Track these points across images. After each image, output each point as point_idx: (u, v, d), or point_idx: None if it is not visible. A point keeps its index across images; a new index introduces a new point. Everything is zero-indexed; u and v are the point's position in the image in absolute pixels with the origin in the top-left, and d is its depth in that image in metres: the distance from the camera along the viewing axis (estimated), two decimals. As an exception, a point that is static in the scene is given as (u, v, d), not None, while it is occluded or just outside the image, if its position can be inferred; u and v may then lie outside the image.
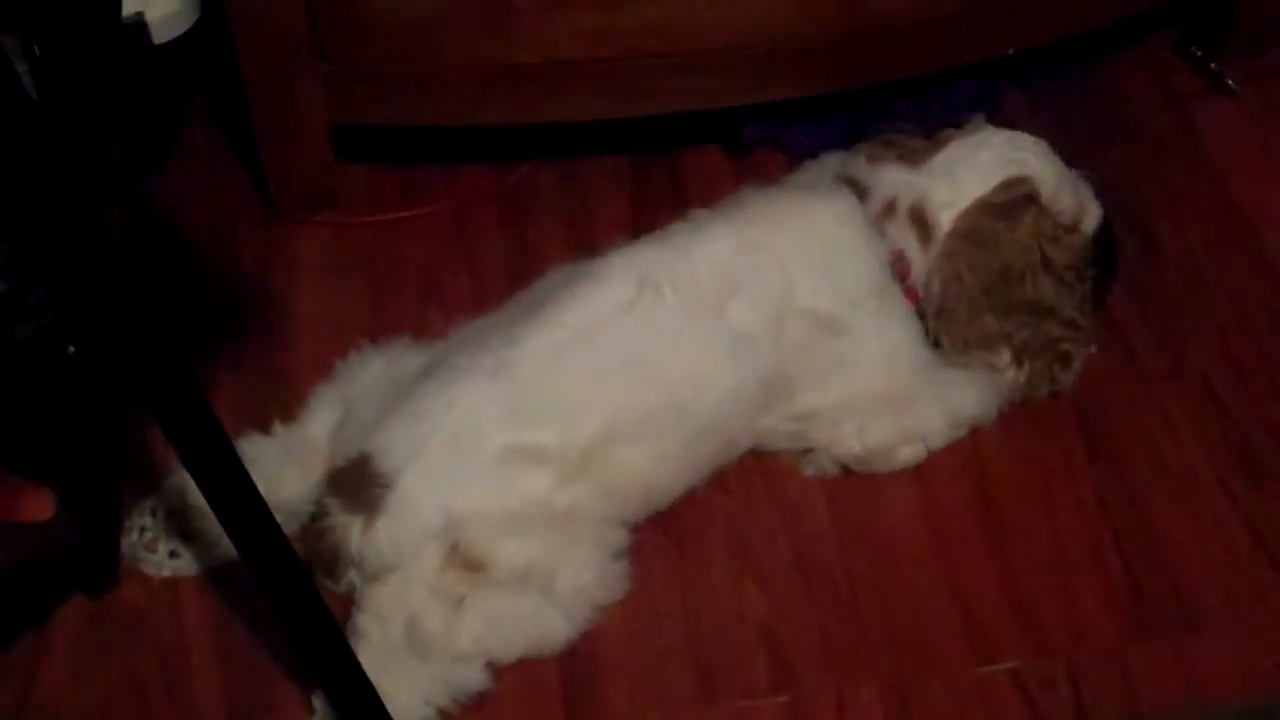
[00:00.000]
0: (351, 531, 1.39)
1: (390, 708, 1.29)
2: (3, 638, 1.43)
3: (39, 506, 1.48)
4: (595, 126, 1.77)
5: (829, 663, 1.40)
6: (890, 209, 1.54)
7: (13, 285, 1.29)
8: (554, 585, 1.39)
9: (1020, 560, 1.47)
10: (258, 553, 1.21)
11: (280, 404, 1.58)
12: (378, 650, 1.35)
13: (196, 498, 1.21)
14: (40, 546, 1.44)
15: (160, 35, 1.75)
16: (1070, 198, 1.56)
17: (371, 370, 1.54)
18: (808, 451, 1.54)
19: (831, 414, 1.51)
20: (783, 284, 1.48)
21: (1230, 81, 1.92)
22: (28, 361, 1.30)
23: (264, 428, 1.53)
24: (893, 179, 1.55)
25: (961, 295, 1.52)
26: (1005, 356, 1.54)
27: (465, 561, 1.38)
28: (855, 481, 1.53)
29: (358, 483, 1.40)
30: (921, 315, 1.55)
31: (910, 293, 1.54)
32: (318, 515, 1.43)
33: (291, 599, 1.24)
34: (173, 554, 1.47)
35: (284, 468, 1.47)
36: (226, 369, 1.64)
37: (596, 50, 1.69)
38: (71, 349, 1.14)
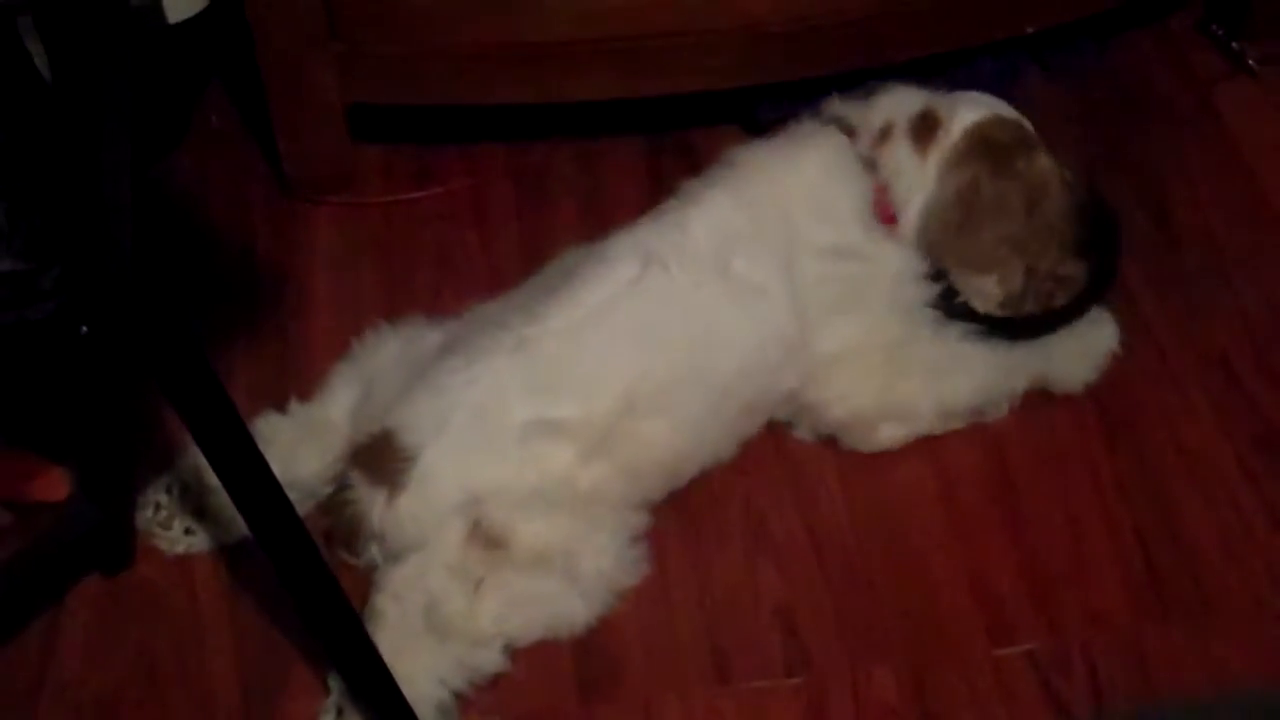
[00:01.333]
0: (374, 505, 1.39)
1: (406, 689, 1.30)
2: (19, 617, 1.43)
3: (55, 486, 1.48)
4: (611, 106, 1.77)
5: (844, 644, 1.39)
6: (886, 133, 1.53)
7: (30, 265, 1.29)
8: (574, 568, 1.39)
9: (1037, 542, 1.46)
10: (271, 532, 1.21)
11: (295, 383, 1.58)
12: (395, 631, 1.35)
13: (211, 476, 1.21)
14: (56, 526, 1.44)
15: (175, 15, 1.75)
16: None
17: (389, 349, 1.54)
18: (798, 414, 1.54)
19: (830, 366, 1.50)
20: (784, 229, 1.48)
21: (1251, 61, 1.90)
22: (44, 341, 1.31)
23: (279, 406, 1.53)
24: (893, 100, 1.54)
25: (974, 204, 1.50)
26: (995, 283, 1.53)
27: (486, 539, 1.37)
28: (871, 463, 1.52)
29: (380, 457, 1.40)
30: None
31: (893, 229, 1.52)
32: (340, 489, 1.43)
33: (305, 578, 1.24)
34: (188, 530, 1.47)
35: (301, 446, 1.48)
36: (241, 349, 1.64)
37: (612, 29, 1.69)
38: (85, 329, 1.14)
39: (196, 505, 1.47)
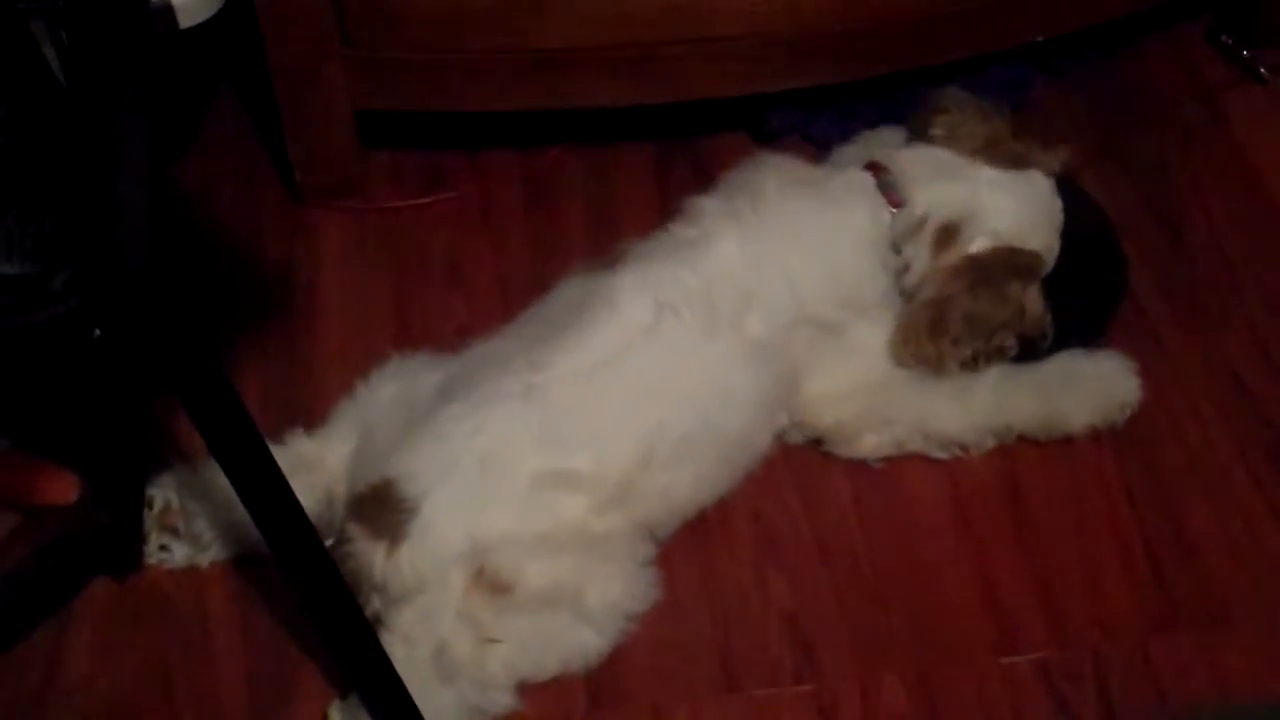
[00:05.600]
0: (375, 558, 1.35)
1: None
2: (28, 620, 1.43)
3: (64, 490, 1.48)
4: (621, 113, 1.77)
5: (853, 652, 1.39)
6: (919, 227, 1.52)
7: (39, 268, 1.29)
8: (583, 601, 1.37)
9: (1046, 551, 1.46)
10: (283, 535, 1.21)
11: (303, 388, 1.59)
12: (405, 672, 1.31)
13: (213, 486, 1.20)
14: (65, 529, 1.44)
15: (186, 20, 1.75)
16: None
17: (389, 389, 1.50)
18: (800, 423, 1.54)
19: (819, 396, 1.51)
20: (793, 299, 1.48)
21: (1261, 70, 1.90)
22: (53, 344, 1.31)
23: (280, 431, 1.49)
24: (934, 194, 1.53)
25: (945, 315, 1.50)
26: (952, 368, 1.53)
27: (492, 585, 1.35)
28: (881, 472, 1.52)
29: (380, 508, 1.36)
30: None
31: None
32: (339, 543, 1.38)
33: (318, 584, 1.24)
34: (163, 549, 1.47)
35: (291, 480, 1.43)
36: (250, 354, 1.64)
37: (622, 36, 1.69)
38: (97, 332, 1.14)
39: (204, 515, 1.47)
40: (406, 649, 1.33)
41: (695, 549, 1.47)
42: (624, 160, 1.84)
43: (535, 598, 1.35)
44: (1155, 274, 1.69)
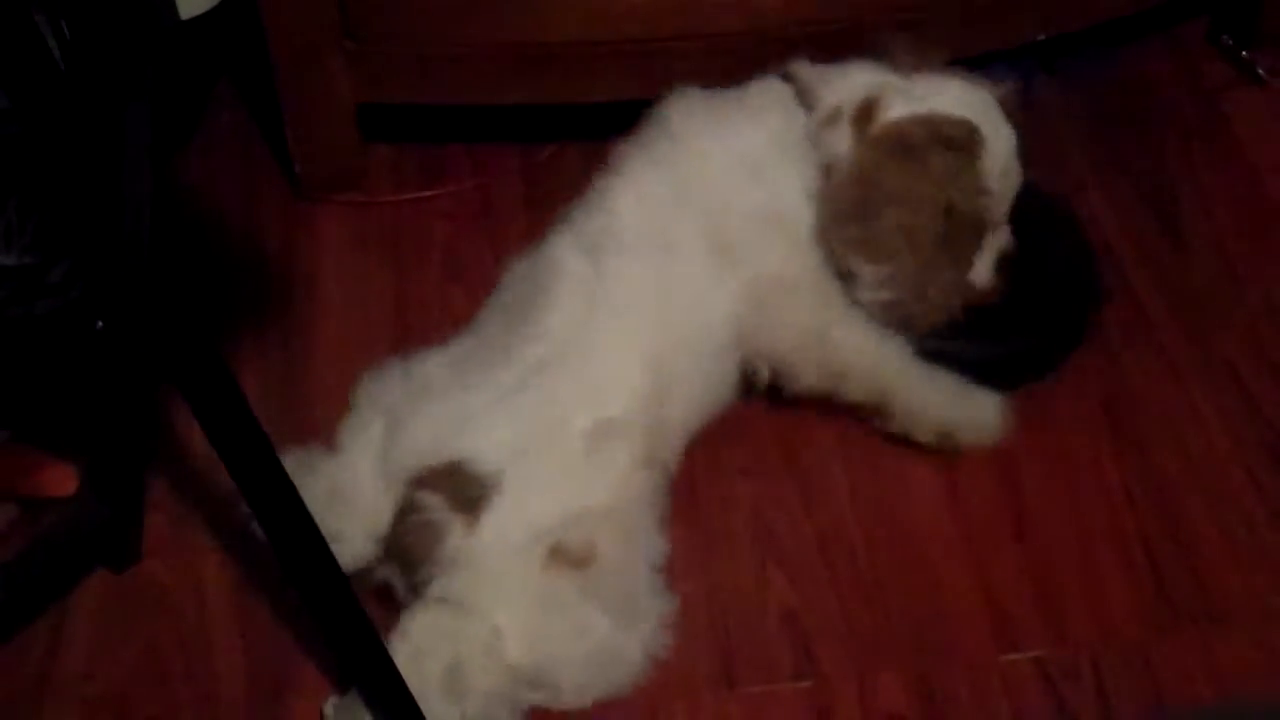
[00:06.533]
0: (453, 528, 1.35)
1: None
2: (26, 612, 1.43)
3: (63, 481, 1.48)
4: (621, 107, 1.76)
5: (851, 648, 1.39)
6: (835, 115, 1.51)
7: (37, 260, 1.29)
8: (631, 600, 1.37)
9: (1045, 550, 1.46)
10: (284, 529, 1.20)
11: (302, 381, 1.58)
12: (406, 680, 1.29)
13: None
14: (64, 522, 1.44)
15: (187, 10, 1.74)
16: (1001, 174, 1.52)
17: (392, 392, 1.48)
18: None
19: (769, 289, 1.51)
20: (718, 201, 1.49)
21: (1261, 71, 1.90)
22: (52, 336, 1.30)
23: (286, 414, 1.49)
24: (853, 80, 1.52)
25: (868, 187, 1.48)
26: (867, 271, 1.50)
27: (570, 559, 1.34)
28: (880, 466, 1.52)
29: (456, 482, 1.36)
30: None
31: None
32: (409, 509, 1.37)
33: (318, 579, 1.23)
34: None
35: (331, 511, 1.37)
36: (249, 346, 1.64)
37: (623, 31, 1.69)
38: (100, 324, 1.14)
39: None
40: (415, 662, 1.30)
41: (695, 545, 1.47)
42: (624, 155, 1.83)
43: (612, 567, 1.35)
44: (1155, 274, 1.69)
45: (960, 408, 1.52)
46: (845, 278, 1.51)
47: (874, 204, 1.48)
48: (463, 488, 1.36)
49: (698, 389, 1.48)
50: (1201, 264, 1.71)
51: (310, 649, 1.40)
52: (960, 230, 1.51)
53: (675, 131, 1.54)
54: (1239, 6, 1.92)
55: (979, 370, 1.54)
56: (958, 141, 1.49)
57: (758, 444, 1.55)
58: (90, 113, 1.01)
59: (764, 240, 1.50)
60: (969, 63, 1.78)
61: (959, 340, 1.55)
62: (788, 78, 1.56)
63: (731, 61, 1.71)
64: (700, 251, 1.48)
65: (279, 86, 1.71)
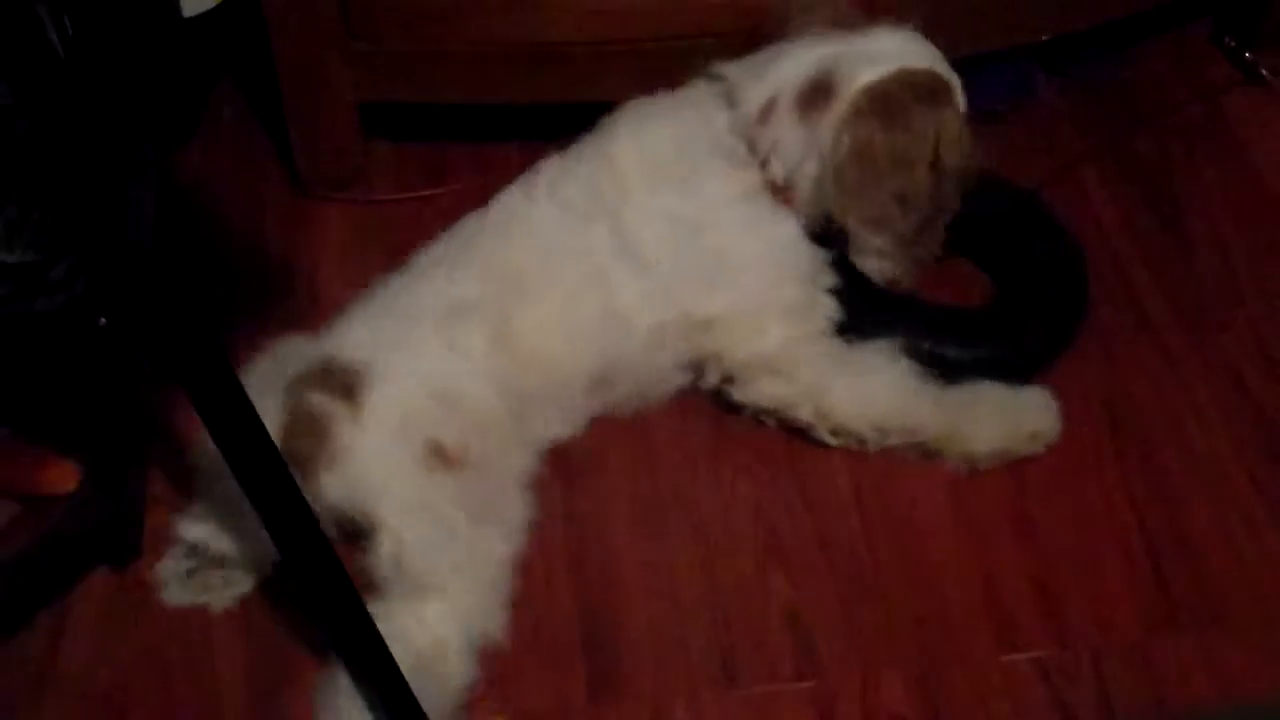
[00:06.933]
0: (338, 416, 1.38)
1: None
2: (27, 609, 1.43)
3: (63, 478, 1.48)
4: (624, 107, 1.76)
5: (853, 648, 1.39)
6: (768, 110, 1.48)
7: (39, 257, 1.29)
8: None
9: (1047, 550, 1.46)
10: (286, 527, 1.20)
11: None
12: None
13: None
14: (65, 518, 1.44)
15: (190, 8, 1.75)
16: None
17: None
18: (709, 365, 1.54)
19: (726, 322, 1.50)
20: (613, 182, 1.50)
21: (1264, 72, 1.90)
22: (54, 332, 1.30)
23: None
24: (783, 69, 1.48)
25: (870, 162, 1.45)
26: (885, 242, 1.49)
27: (447, 458, 1.39)
28: (883, 468, 1.52)
29: (331, 376, 1.40)
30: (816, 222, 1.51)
31: (786, 199, 1.50)
32: (293, 411, 1.39)
33: (321, 577, 1.23)
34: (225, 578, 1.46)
35: None
36: (249, 344, 1.63)
37: (627, 31, 1.69)
38: (103, 321, 1.14)
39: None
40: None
41: (697, 544, 1.47)
42: (627, 155, 1.83)
43: (480, 463, 1.40)
44: (1156, 274, 1.69)
45: (1010, 421, 1.51)
46: (848, 247, 1.50)
47: (874, 175, 1.45)
48: (338, 377, 1.40)
49: (562, 322, 1.49)
50: (1203, 264, 1.71)
51: (310, 645, 1.39)
52: (945, 183, 1.48)
53: (598, 133, 1.56)
54: (1242, 7, 1.92)
55: (967, 372, 1.53)
56: (936, 94, 1.47)
57: (759, 442, 1.54)
58: (93, 109, 1.01)
59: (686, 252, 1.49)
60: (970, 62, 1.79)
61: (947, 342, 1.55)
62: (712, 77, 1.54)
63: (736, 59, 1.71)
64: (579, 206, 1.51)
65: (281, 84, 1.71)
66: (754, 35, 1.57)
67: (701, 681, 1.38)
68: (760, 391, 1.52)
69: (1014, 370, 1.55)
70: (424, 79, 1.73)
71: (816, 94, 1.47)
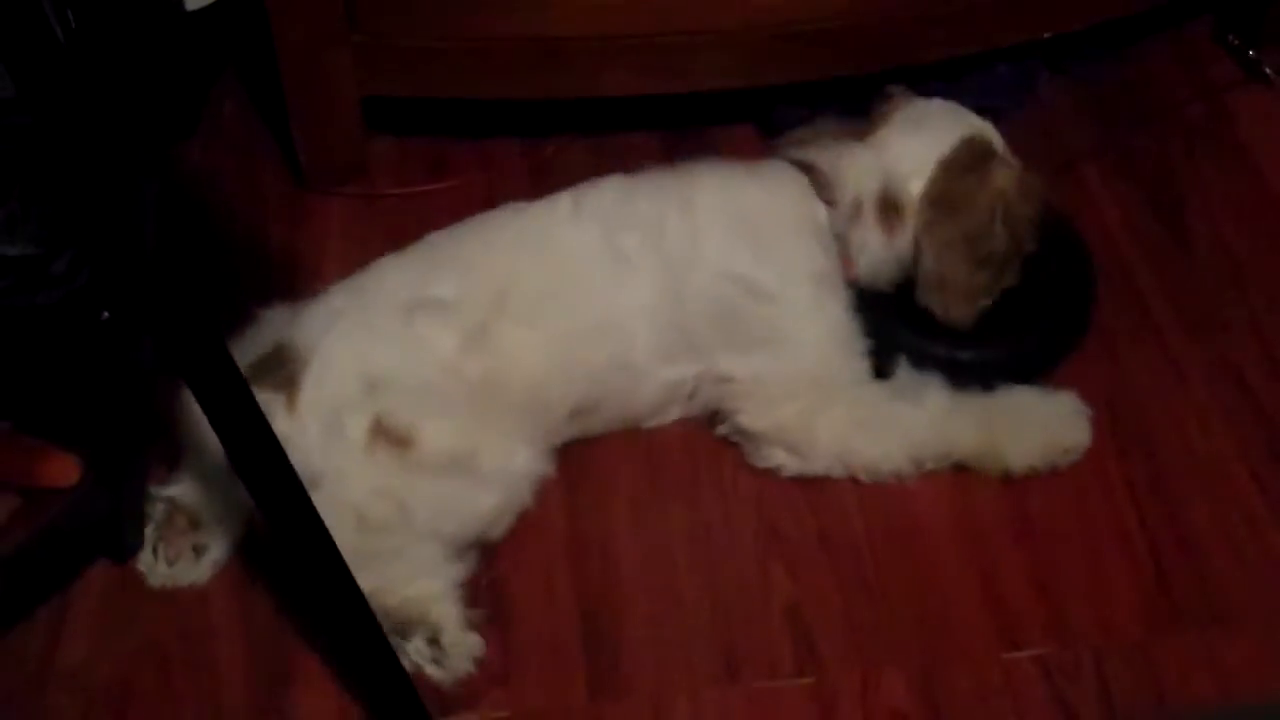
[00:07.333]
0: (276, 410, 1.37)
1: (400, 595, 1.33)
2: (28, 602, 1.43)
3: (65, 472, 1.48)
4: (627, 101, 1.76)
5: (854, 645, 1.39)
6: (858, 210, 1.52)
7: (40, 250, 1.29)
8: (478, 465, 1.40)
9: (1048, 548, 1.46)
10: (285, 517, 1.20)
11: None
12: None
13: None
14: (66, 512, 1.44)
15: (193, 2, 1.75)
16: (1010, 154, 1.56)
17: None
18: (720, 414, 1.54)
19: (750, 385, 1.50)
20: (685, 232, 1.48)
21: (1267, 70, 1.90)
22: (55, 326, 1.30)
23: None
24: (853, 165, 1.52)
25: (959, 259, 1.50)
26: (973, 307, 1.53)
27: (392, 436, 1.38)
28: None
29: (275, 366, 1.41)
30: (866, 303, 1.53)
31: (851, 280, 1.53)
32: None
33: (319, 568, 1.23)
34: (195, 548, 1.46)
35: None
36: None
37: (630, 26, 1.69)
38: (105, 314, 1.14)
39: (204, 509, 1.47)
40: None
41: (698, 540, 1.47)
42: (630, 150, 1.83)
43: (435, 456, 1.38)
44: (1158, 273, 1.69)
45: (1045, 435, 1.51)
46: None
47: (957, 261, 1.50)
48: (280, 367, 1.41)
49: (558, 349, 1.46)
50: (1205, 263, 1.71)
51: (312, 639, 1.39)
52: (1018, 231, 1.52)
53: (672, 177, 1.53)
54: (1245, 6, 1.92)
55: (971, 374, 1.53)
56: (984, 160, 1.52)
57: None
58: (96, 102, 1.01)
59: (735, 314, 1.49)
60: (976, 60, 1.79)
61: (947, 343, 1.54)
62: (804, 168, 1.54)
63: (742, 57, 1.71)
64: (634, 252, 1.47)
65: (284, 78, 1.71)
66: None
67: (702, 678, 1.37)
68: (777, 463, 1.51)
69: (1022, 371, 1.55)
70: (426, 73, 1.73)
71: (888, 207, 1.51)
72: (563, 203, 1.51)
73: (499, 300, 1.44)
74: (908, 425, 1.49)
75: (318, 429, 1.38)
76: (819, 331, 1.51)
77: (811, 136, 1.58)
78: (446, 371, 1.42)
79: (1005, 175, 1.52)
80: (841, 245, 1.52)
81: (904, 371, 1.52)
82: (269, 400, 1.36)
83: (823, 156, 1.54)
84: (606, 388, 1.50)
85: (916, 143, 1.53)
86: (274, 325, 1.49)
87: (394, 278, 1.47)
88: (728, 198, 1.52)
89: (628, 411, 1.53)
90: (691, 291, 1.48)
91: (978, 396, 1.51)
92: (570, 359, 1.47)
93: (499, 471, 1.41)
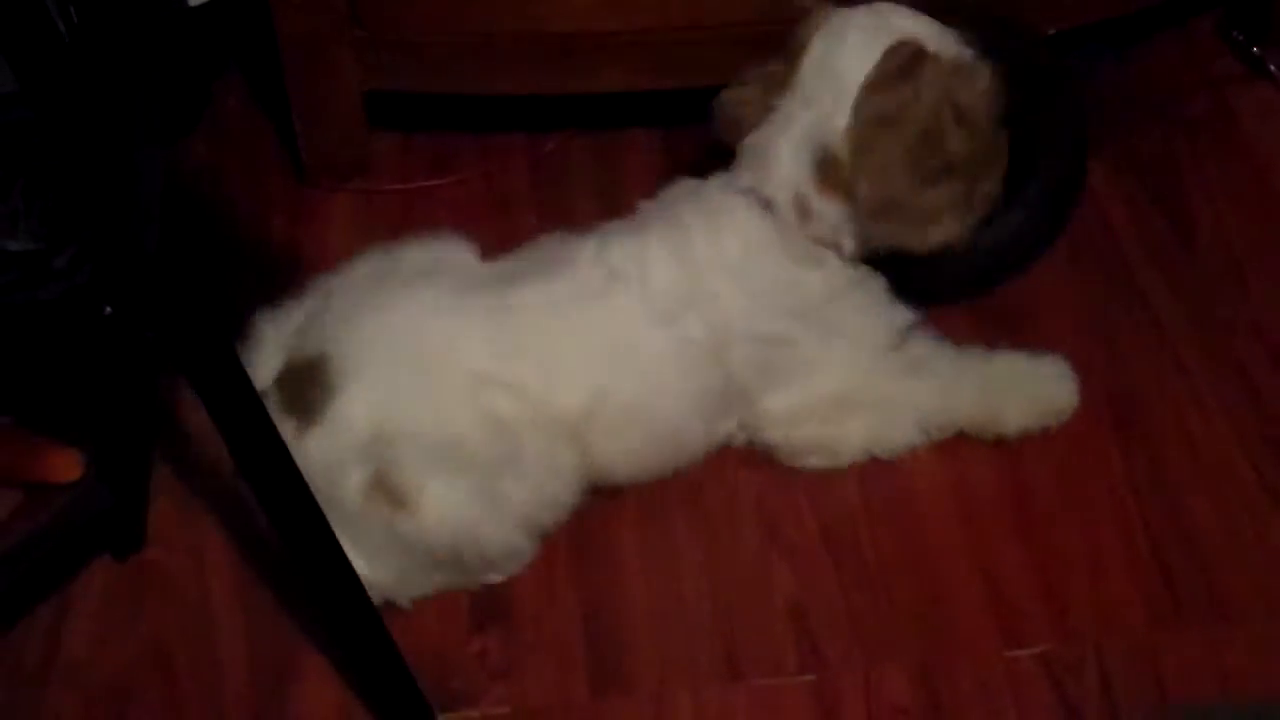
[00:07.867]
0: (282, 430, 1.31)
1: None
2: (29, 598, 1.43)
3: (67, 467, 1.48)
4: (630, 97, 1.76)
5: (856, 642, 1.39)
6: (803, 207, 1.44)
7: (42, 245, 1.29)
8: (481, 548, 1.38)
9: (1050, 544, 1.46)
10: (288, 515, 1.20)
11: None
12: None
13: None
14: (68, 508, 1.44)
15: (195, -3, 1.74)
16: (955, 45, 1.44)
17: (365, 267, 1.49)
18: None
19: (786, 413, 1.50)
20: (719, 314, 1.45)
21: (1272, 67, 1.90)
22: (57, 321, 1.30)
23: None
24: (776, 154, 1.44)
25: (898, 179, 1.41)
26: (953, 225, 1.45)
27: (390, 494, 1.34)
28: (887, 463, 1.52)
29: (305, 384, 1.37)
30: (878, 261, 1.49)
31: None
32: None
33: (323, 566, 1.23)
34: None
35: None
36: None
37: (633, 21, 1.69)
38: (108, 310, 1.13)
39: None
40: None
41: (700, 537, 1.47)
42: (633, 145, 1.83)
43: (433, 522, 1.35)
44: (1162, 269, 1.69)
45: (1033, 398, 1.52)
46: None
47: (915, 182, 1.42)
48: (309, 388, 1.36)
49: (637, 448, 1.46)
50: (1209, 258, 1.71)
51: (314, 635, 1.39)
52: (982, 133, 1.44)
53: (681, 231, 1.48)
54: (1250, 2, 1.91)
55: (952, 271, 1.53)
56: (912, 66, 1.40)
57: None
58: (99, 97, 1.01)
59: (771, 363, 1.48)
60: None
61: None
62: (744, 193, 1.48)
63: (744, 51, 1.71)
64: (700, 339, 1.44)
65: (286, 74, 1.71)
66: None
67: (704, 675, 1.37)
68: (806, 465, 1.52)
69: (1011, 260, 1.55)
70: (430, 69, 1.73)
71: (827, 167, 1.43)
72: (602, 272, 1.44)
73: (588, 414, 1.41)
74: (920, 400, 1.50)
75: (317, 470, 1.31)
76: (843, 351, 1.50)
77: (741, 104, 1.50)
78: (500, 429, 1.37)
79: (940, 70, 1.40)
80: (818, 240, 1.46)
81: (914, 342, 1.52)
82: (278, 418, 1.31)
83: (753, 164, 1.47)
84: (676, 461, 1.49)
85: (833, 77, 1.42)
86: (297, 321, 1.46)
87: (471, 333, 1.39)
88: (728, 263, 1.45)
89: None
90: (739, 360, 1.46)
91: (975, 363, 1.52)
92: (648, 454, 1.47)
93: (503, 548, 1.41)
